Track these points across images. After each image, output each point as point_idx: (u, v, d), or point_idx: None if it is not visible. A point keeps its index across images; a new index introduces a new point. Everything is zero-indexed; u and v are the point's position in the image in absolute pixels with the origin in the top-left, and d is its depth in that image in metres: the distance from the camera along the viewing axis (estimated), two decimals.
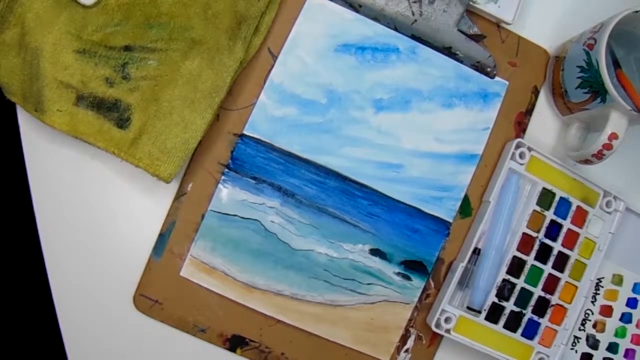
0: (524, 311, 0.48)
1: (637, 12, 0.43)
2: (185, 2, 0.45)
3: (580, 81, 0.46)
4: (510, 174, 0.49)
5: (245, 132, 0.47)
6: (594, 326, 0.51)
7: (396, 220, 0.48)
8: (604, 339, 0.51)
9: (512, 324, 0.48)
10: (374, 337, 0.48)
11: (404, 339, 0.48)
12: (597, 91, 0.44)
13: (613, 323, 0.51)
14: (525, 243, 0.48)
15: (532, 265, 0.48)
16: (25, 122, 0.46)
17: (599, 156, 0.45)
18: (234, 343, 0.47)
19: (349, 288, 0.47)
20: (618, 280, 0.52)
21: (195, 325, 0.46)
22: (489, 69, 0.49)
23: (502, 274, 0.48)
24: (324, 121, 0.47)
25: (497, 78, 0.49)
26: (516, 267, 0.48)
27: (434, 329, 0.47)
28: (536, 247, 0.49)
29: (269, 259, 0.47)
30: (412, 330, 0.48)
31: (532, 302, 0.49)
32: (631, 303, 0.52)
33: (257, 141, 0.47)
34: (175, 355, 0.47)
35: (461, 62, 0.49)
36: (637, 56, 0.49)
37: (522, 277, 0.48)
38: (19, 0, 0.43)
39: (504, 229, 0.48)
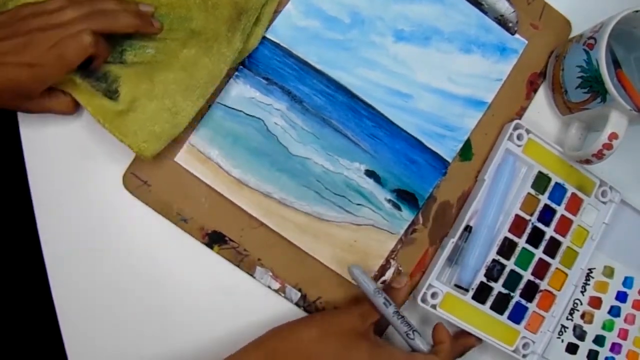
0: (512, 294, 0.48)
1: (637, 12, 0.43)
2: None
3: (580, 81, 0.46)
4: (507, 155, 0.48)
5: (266, 34, 0.47)
6: (582, 317, 0.50)
7: (397, 147, 0.48)
8: (591, 330, 0.50)
9: (499, 305, 0.47)
10: (353, 261, 0.47)
11: (382, 270, 0.48)
12: (597, 91, 0.44)
13: (601, 315, 0.51)
14: (518, 225, 0.48)
15: (523, 248, 0.48)
16: (26, 122, 0.46)
17: (599, 156, 0.44)
18: (213, 239, 0.46)
19: (338, 204, 0.47)
20: (609, 272, 0.51)
21: (178, 213, 0.46)
22: (510, 24, 0.50)
23: (493, 254, 0.47)
24: (344, 39, 0.48)
25: (517, 35, 0.50)
26: (507, 248, 0.48)
27: (419, 303, 0.46)
28: (528, 230, 0.48)
29: (265, 159, 0.47)
30: (392, 262, 0.48)
31: (521, 285, 0.48)
32: (621, 297, 0.51)
33: (276, 45, 0.47)
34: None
35: (485, 13, 0.50)
36: (637, 56, 0.49)
37: (513, 259, 0.48)
38: None
39: (497, 209, 0.48)
